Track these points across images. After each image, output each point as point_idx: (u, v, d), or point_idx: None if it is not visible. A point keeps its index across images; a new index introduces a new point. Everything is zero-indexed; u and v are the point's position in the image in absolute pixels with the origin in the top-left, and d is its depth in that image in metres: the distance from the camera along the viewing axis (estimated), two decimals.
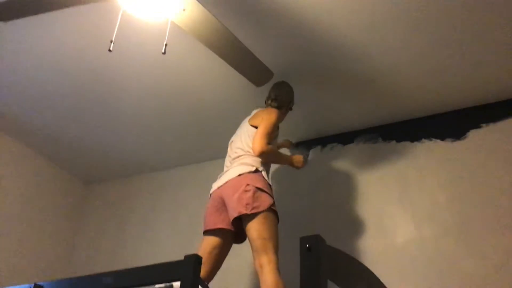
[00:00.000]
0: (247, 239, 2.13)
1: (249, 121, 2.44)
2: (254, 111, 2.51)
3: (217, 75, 2.64)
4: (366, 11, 2.14)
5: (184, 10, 1.87)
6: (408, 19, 2.17)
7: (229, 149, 2.43)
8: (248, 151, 2.29)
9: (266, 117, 2.32)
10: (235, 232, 2.18)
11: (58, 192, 3.62)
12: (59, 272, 3.34)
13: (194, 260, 1.33)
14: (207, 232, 2.21)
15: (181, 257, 1.34)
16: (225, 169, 2.34)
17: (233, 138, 2.47)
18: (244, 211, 2.04)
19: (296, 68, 2.52)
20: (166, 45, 1.79)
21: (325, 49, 2.36)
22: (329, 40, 2.30)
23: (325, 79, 2.60)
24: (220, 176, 2.32)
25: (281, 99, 2.48)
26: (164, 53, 1.77)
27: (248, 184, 2.11)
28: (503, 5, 2.06)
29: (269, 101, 2.49)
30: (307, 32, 2.27)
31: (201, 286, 1.39)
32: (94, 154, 3.49)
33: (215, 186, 2.29)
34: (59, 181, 3.65)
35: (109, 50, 1.79)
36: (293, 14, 2.18)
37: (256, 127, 2.32)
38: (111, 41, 1.81)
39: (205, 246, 2.17)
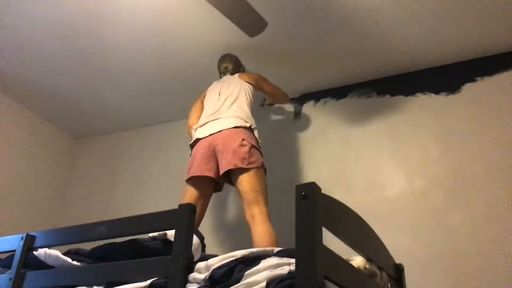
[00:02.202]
0: (222, 191, 2.31)
1: (241, 77, 2.51)
2: (228, 77, 2.58)
3: (209, 29, 2.55)
4: None
5: None
6: None
7: (213, 97, 2.43)
8: (243, 104, 2.31)
9: (261, 78, 2.62)
10: (217, 182, 2.21)
11: (48, 147, 3.60)
12: (51, 225, 3.36)
13: (189, 209, 1.32)
14: (192, 180, 2.20)
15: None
16: (210, 115, 2.32)
17: (218, 86, 2.49)
18: (240, 165, 2.06)
19: (289, 20, 2.45)
20: None
21: (317, 2, 2.29)
22: None
23: (319, 34, 2.53)
24: (208, 121, 2.30)
25: (240, 65, 2.71)
26: None
27: (243, 139, 2.14)
28: None
29: (236, 70, 2.65)
30: None
31: (195, 234, 1.40)
32: (84, 108, 3.43)
33: (204, 132, 2.26)
34: (50, 136, 3.62)
35: None
36: None
37: (251, 84, 2.51)
38: None
39: (191, 195, 2.17)
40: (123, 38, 2.69)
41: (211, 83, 2.62)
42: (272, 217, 2.02)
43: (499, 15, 2.31)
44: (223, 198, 2.91)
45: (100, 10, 2.48)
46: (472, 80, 2.58)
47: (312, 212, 1.13)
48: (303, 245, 1.07)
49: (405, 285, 1.78)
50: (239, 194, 2.10)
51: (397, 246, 1.88)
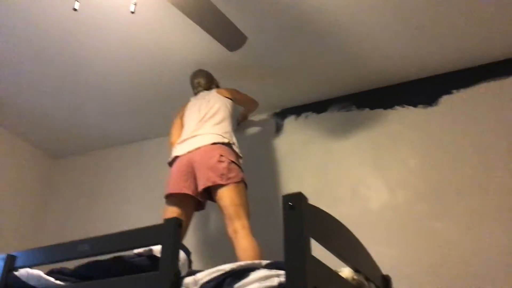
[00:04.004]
0: (205, 208, 2.30)
1: (219, 93, 2.53)
2: (205, 92, 2.60)
3: (188, 44, 2.56)
4: None
5: None
6: None
7: (193, 114, 2.43)
8: (222, 120, 2.32)
9: (236, 91, 2.65)
10: (197, 199, 2.19)
11: (26, 167, 3.52)
12: (32, 246, 3.26)
13: (175, 223, 1.30)
14: (170, 197, 2.18)
15: None
16: (189, 132, 2.32)
17: (197, 102, 2.50)
18: (218, 181, 2.06)
19: (269, 35, 2.48)
20: (135, 4, 1.72)
21: (297, 17, 2.32)
22: (302, 7, 2.26)
23: (298, 48, 2.57)
24: (186, 138, 2.29)
25: (213, 80, 2.71)
26: (133, 12, 1.70)
27: (221, 155, 2.14)
28: None
29: (208, 84, 2.66)
30: (276, 4, 2.22)
31: (182, 249, 1.38)
32: (62, 127, 3.37)
33: (183, 150, 2.26)
34: (27, 156, 3.55)
35: (74, 9, 1.70)
36: None
37: (230, 99, 2.53)
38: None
39: (171, 213, 2.14)
40: (99, 55, 2.67)
41: (189, 99, 2.62)
42: (255, 231, 2.01)
43: (474, 29, 2.38)
44: (205, 215, 2.88)
45: (74, 28, 2.47)
46: (449, 92, 2.65)
47: (300, 223, 1.13)
48: (292, 256, 1.06)
49: None
50: (220, 209, 2.09)
51: (383, 258, 1.88)
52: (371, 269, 1.64)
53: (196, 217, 2.43)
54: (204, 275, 1.15)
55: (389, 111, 2.77)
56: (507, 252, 2.14)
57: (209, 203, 2.30)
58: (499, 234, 2.19)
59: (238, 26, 2.20)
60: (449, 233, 2.29)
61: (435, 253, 2.26)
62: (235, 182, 2.08)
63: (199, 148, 2.19)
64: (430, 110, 2.66)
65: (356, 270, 1.43)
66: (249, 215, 2.06)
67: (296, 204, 1.16)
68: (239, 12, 2.30)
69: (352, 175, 2.67)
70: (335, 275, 1.24)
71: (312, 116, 3.00)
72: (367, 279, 1.50)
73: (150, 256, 1.36)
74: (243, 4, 2.28)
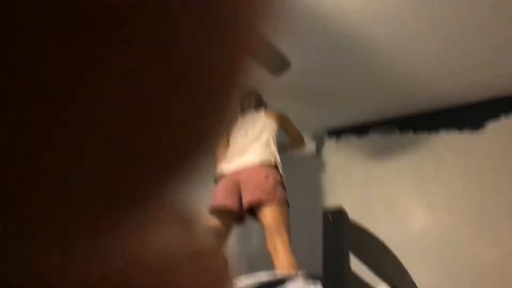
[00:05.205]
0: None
1: (269, 116, 2.58)
2: (255, 114, 2.61)
3: None
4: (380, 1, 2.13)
5: None
6: (426, 11, 2.15)
7: (240, 133, 2.49)
8: (268, 141, 2.40)
9: (286, 118, 2.66)
10: (239, 216, 2.24)
11: None
12: None
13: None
14: (214, 212, 2.23)
15: None
16: (236, 151, 2.38)
17: (245, 123, 2.55)
18: (264, 198, 2.12)
19: (312, 57, 2.52)
20: None
21: (343, 40, 2.36)
22: (348, 31, 2.30)
23: (342, 71, 2.59)
24: (234, 157, 2.35)
25: (262, 102, 2.73)
26: None
27: (267, 175, 2.22)
28: None
29: (258, 106, 2.66)
30: (320, 27, 2.26)
31: None
32: None
33: (230, 167, 2.32)
34: None
35: None
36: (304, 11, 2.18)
37: (276, 123, 2.56)
38: None
39: (214, 226, 2.20)
40: None
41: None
42: (293, 250, 2.03)
43: None
44: (245, 231, 2.90)
45: None
46: (496, 117, 2.59)
47: (340, 238, 1.13)
48: (331, 267, 1.07)
49: None
50: (263, 226, 2.13)
51: (424, 282, 1.83)
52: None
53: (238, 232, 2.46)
54: (241, 284, 1.17)
55: (433, 135, 2.73)
56: None
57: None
58: None
59: (281, 47, 2.26)
60: (494, 259, 2.21)
61: (476, 277, 2.18)
62: (280, 202, 2.15)
63: (246, 167, 2.26)
64: (476, 135, 2.60)
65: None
66: (289, 233, 2.11)
67: (337, 219, 1.17)
68: (282, 34, 2.36)
69: (394, 200, 2.63)
70: None
71: (353, 139, 3.00)
72: None
73: None
74: (287, 26, 2.34)
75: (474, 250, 2.27)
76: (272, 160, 2.32)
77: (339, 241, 1.13)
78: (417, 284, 1.83)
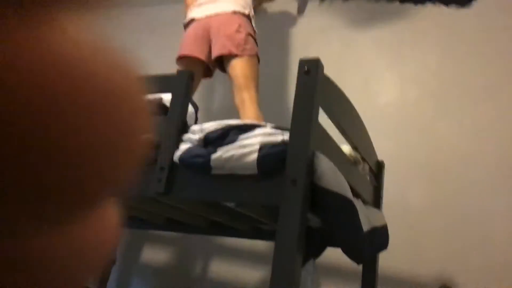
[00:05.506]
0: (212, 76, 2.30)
1: None
2: None
3: None
4: None
5: None
6: None
7: None
8: None
9: None
10: (207, 66, 2.18)
11: None
12: None
13: (187, 75, 1.32)
14: (182, 59, 2.17)
15: None
16: None
17: None
18: (234, 51, 2.04)
19: None
20: None
21: None
22: None
23: None
24: (205, 2, 2.21)
25: None
26: None
27: (240, 25, 2.10)
28: None
29: None
30: None
31: (191, 103, 1.41)
32: None
33: (201, 13, 2.19)
34: None
35: None
36: None
37: None
38: None
39: None
40: None
41: None
42: (262, 104, 2.04)
43: None
44: (211, 85, 2.88)
45: None
46: None
47: (313, 89, 1.13)
48: (299, 117, 1.09)
49: (383, 182, 1.87)
50: (230, 79, 2.09)
51: (381, 147, 1.93)
52: (369, 152, 1.70)
53: (202, 87, 2.43)
54: (211, 125, 1.19)
55: (419, 6, 2.63)
56: (504, 163, 2.18)
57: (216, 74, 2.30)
58: (501, 145, 2.21)
59: None
60: (452, 135, 2.31)
61: (432, 151, 2.31)
62: (250, 55, 2.07)
63: (218, 14, 2.13)
64: (462, 11, 2.53)
65: (354, 148, 1.48)
66: (258, 88, 2.07)
67: (312, 69, 1.16)
68: None
69: (367, 67, 2.63)
70: (335, 146, 1.28)
71: (338, 2, 2.86)
72: (363, 159, 1.56)
73: (160, 104, 1.39)
74: None
75: (434, 124, 2.37)
76: (247, 11, 2.19)
77: (311, 90, 1.13)
78: (376, 151, 1.94)
